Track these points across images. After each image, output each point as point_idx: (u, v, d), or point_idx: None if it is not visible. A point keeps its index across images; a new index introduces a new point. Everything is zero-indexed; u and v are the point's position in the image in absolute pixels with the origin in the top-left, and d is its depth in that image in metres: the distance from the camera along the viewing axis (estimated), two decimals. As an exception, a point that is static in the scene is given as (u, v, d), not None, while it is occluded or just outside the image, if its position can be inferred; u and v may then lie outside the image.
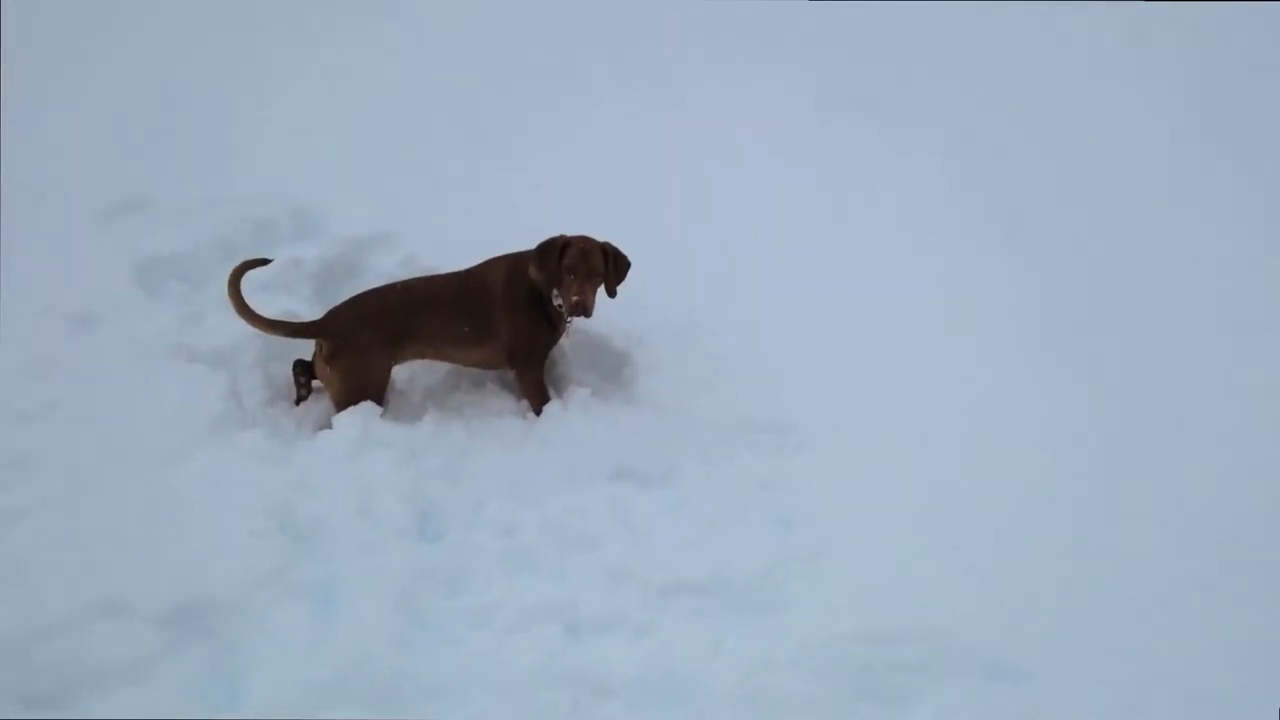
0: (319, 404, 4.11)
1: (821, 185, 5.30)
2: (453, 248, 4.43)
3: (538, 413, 4.12)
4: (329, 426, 3.90)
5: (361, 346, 3.99)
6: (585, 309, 4.02)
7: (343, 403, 3.96)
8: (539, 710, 2.98)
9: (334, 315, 4.07)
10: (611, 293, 4.13)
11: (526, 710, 2.98)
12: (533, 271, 4.10)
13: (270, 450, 3.75)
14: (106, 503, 3.42)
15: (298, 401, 4.11)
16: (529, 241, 4.13)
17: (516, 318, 4.11)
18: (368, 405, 3.95)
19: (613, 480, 3.80)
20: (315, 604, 3.25)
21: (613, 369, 4.32)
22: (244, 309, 3.95)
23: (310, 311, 4.32)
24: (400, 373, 4.23)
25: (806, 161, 5.43)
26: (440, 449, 3.90)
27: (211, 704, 2.95)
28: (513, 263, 4.17)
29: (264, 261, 4.13)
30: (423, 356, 4.19)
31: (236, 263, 4.05)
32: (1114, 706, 3.04)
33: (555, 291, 4.06)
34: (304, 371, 4.11)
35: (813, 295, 4.69)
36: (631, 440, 3.93)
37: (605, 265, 4.07)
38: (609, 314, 4.34)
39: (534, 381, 4.16)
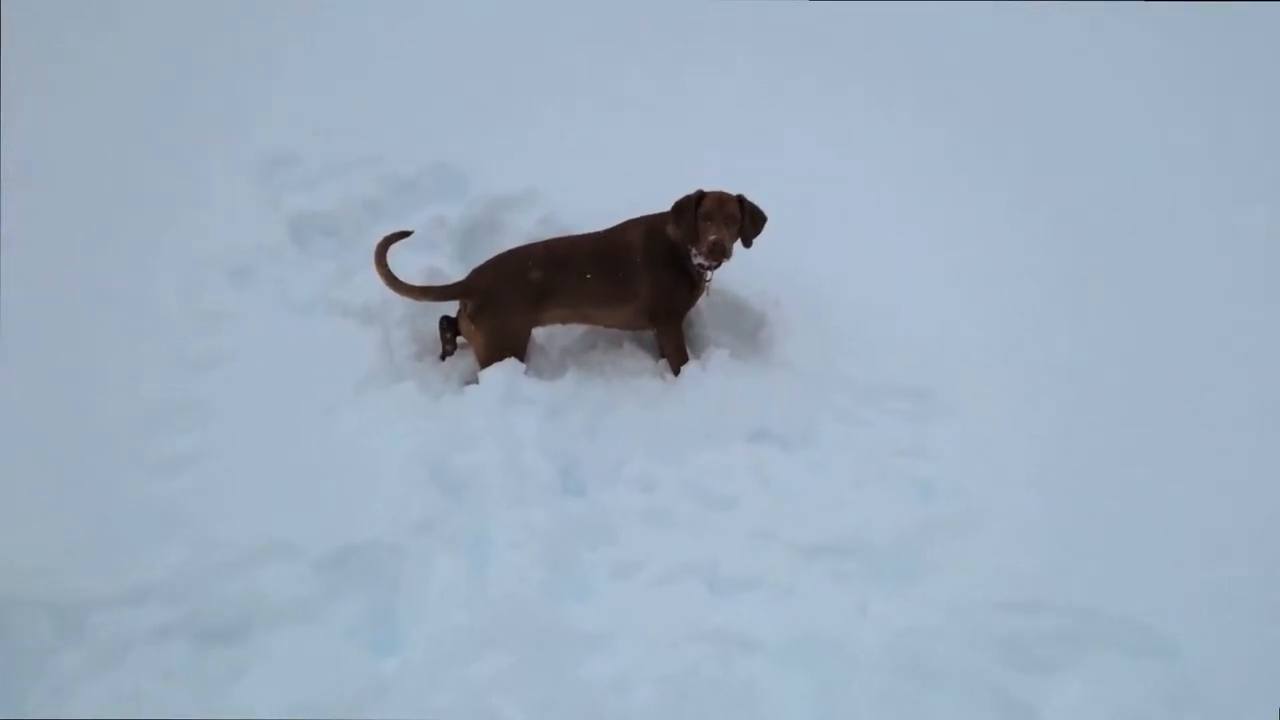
0: (464, 360, 4.21)
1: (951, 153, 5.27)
2: (589, 208, 4.50)
3: (676, 373, 4.18)
4: (475, 381, 3.99)
5: (504, 305, 4.07)
6: (724, 249, 4.03)
7: (486, 359, 4.05)
8: (688, 663, 3.04)
9: (478, 274, 4.16)
10: (748, 243, 4.15)
11: (675, 662, 3.04)
12: (670, 229, 4.14)
13: (421, 403, 3.86)
14: (271, 449, 3.56)
15: (443, 357, 4.22)
16: (663, 202, 4.17)
17: (657, 277, 4.17)
18: (512, 362, 4.03)
19: (752, 441, 3.84)
20: (468, 552, 3.35)
21: (750, 331, 4.35)
22: (392, 280, 4.04)
23: (453, 268, 4.43)
24: (538, 332, 4.31)
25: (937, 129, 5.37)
26: (581, 406, 3.97)
27: (374, 644, 3.07)
28: (651, 223, 4.22)
29: (406, 234, 4.22)
30: (564, 320, 4.25)
31: (380, 238, 4.12)
32: (1263, 682, 3.01)
33: (693, 250, 4.10)
34: (449, 328, 4.22)
35: (949, 259, 4.66)
36: (770, 401, 3.95)
37: (741, 214, 4.09)
38: (745, 277, 4.38)
39: (674, 341, 4.21)
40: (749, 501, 3.61)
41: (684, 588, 3.32)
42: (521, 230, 4.60)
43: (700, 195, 4.08)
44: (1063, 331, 4.29)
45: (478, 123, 5.18)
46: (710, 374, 4.10)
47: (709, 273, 4.18)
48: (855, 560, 3.38)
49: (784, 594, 3.28)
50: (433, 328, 4.25)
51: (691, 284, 4.21)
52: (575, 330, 4.43)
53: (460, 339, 4.24)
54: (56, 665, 2.93)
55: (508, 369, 4.00)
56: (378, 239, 4.10)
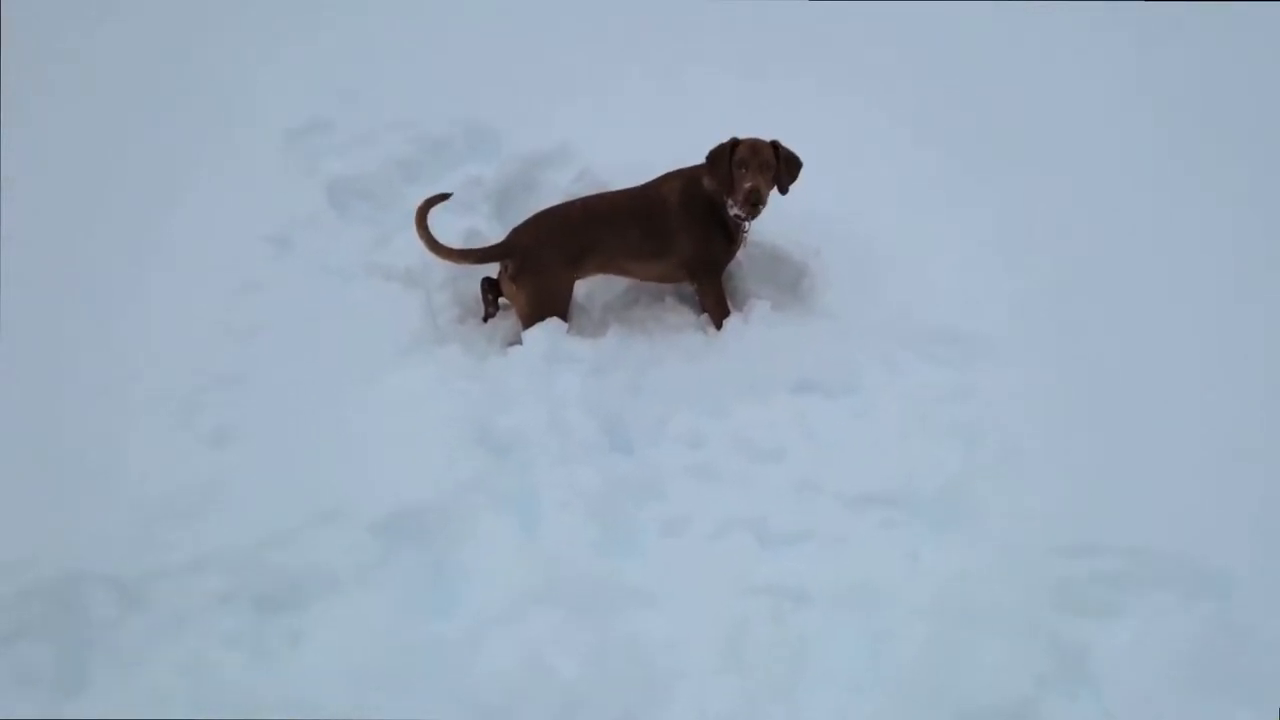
0: (506, 320, 4.22)
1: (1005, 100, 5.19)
2: (625, 160, 4.48)
3: (718, 326, 4.17)
4: (518, 342, 4.00)
5: (545, 264, 4.06)
6: (759, 197, 4.01)
7: (529, 319, 4.06)
8: (741, 616, 3.06)
9: (517, 235, 4.15)
10: (784, 189, 4.12)
11: (728, 616, 3.06)
12: (706, 181, 4.11)
13: (465, 365, 3.87)
14: (318, 417, 3.59)
15: (486, 318, 4.24)
16: (699, 156, 4.14)
17: (694, 231, 4.15)
18: (554, 321, 4.03)
19: (796, 393, 3.82)
20: (517, 512, 3.37)
21: (790, 282, 4.33)
22: (434, 244, 4.05)
23: (491, 228, 4.43)
24: (580, 288, 4.31)
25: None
26: (625, 363, 3.98)
27: (428, 606, 3.11)
28: (688, 176, 4.20)
29: (445, 196, 4.21)
30: (604, 271, 4.25)
31: (419, 201, 4.12)
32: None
33: (729, 201, 4.07)
34: (491, 289, 4.22)
35: (989, 203, 4.61)
36: (813, 352, 3.93)
37: (776, 160, 4.06)
38: (784, 227, 4.36)
39: (715, 294, 4.20)
40: (795, 453, 3.60)
41: (734, 542, 3.32)
42: (558, 187, 4.59)
43: (734, 143, 4.05)
44: (1103, 274, 4.24)
45: (508, 81, 5.15)
46: (752, 326, 4.09)
47: (746, 223, 4.15)
48: (903, 509, 3.37)
49: (834, 545, 3.29)
50: (475, 289, 4.26)
51: (729, 236, 4.19)
52: (617, 286, 4.42)
53: (502, 300, 4.24)
54: (121, 636, 2.98)
55: (550, 328, 4.01)
56: (417, 203, 4.10)
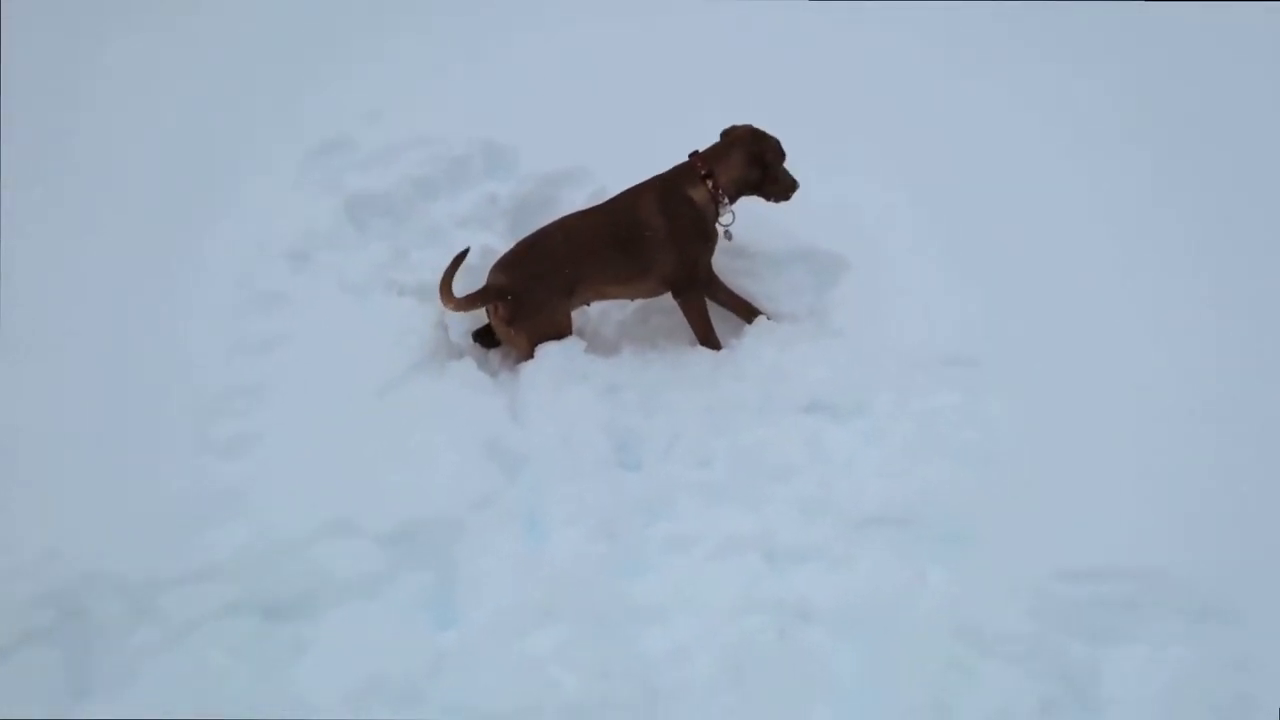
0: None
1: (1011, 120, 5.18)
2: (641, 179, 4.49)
3: (705, 342, 4.15)
4: (533, 358, 4.00)
5: (541, 303, 3.99)
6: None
7: (530, 357, 4.00)
8: (745, 634, 3.08)
9: (505, 275, 4.03)
10: None
11: (733, 633, 3.08)
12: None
13: (478, 380, 3.89)
14: (330, 429, 3.62)
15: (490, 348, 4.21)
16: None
17: (680, 243, 4.08)
18: (570, 339, 4.03)
19: (806, 412, 3.81)
20: (525, 527, 3.41)
21: (802, 302, 4.32)
22: (452, 302, 3.98)
23: (506, 245, 4.45)
24: (593, 308, 4.32)
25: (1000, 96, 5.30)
26: (637, 382, 3.97)
27: (435, 618, 3.14)
28: (662, 188, 4.13)
29: (463, 255, 4.12)
30: (586, 302, 4.20)
31: (444, 270, 4.03)
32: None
33: (725, 201, 4.11)
34: (484, 338, 4.18)
35: (1000, 228, 4.60)
36: (823, 373, 3.92)
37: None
38: (795, 243, 4.36)
39: (700, 309, 4.16)
40: (804, 473, 3.60)
41: (740, 560, 3.33)
42: (573, 206, 4.60)
43: (763, 133, 4.11)
44: (1112, 300, 4.22)
45: (527, 101, 5.18)
46: (763, 346, 4.08)
47: (727, 225, 4.17)
48: (911, 530, 3.37)
49: (841, 564, 3.29)
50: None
51: (706, 236, 4.15)
52: (630, 304, 4.43)
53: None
54: (128, 643, 3.03)
55: (564, 345, 4.01)
56: (442, 272, 4.03)
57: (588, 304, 4.22)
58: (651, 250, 4.09)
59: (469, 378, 3.89)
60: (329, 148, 4.92)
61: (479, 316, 4.19)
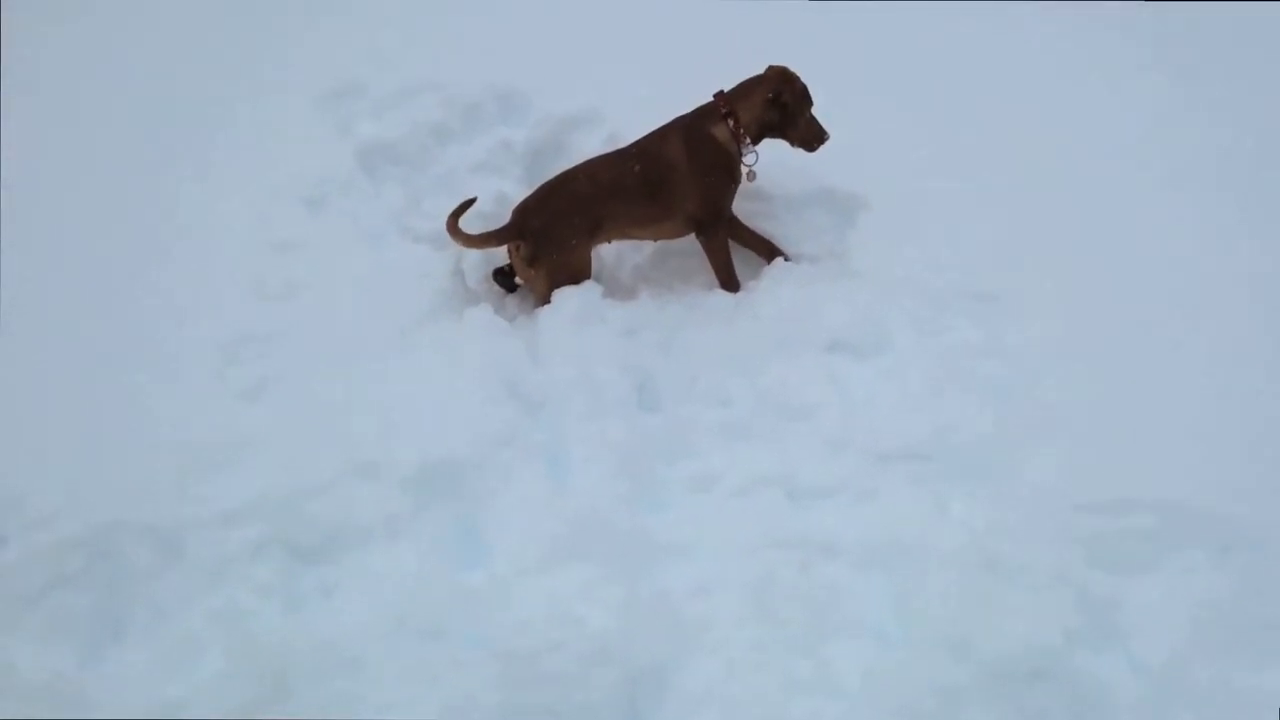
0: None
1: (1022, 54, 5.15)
2: (653, 125, 4.45)
3: (725, 284, 4.15)
4: (550, 301, 4.00)
5: (563, 243, 3.99)
6: None
7: (548, 299, 4.01)
8: (767, 569, 3.09)
9: (527, 215, 4.04)
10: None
11: (755, 568, 3.09)
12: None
13: (495, 324, 3.88)
14: (350, 373, 3.63)
15: (511, 290, 4.22)
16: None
17: (702, 183, 4.07)
18: (588, 283, 4.02)
19: (826, 351, 3.80)
20: (547, 467, 3.42)
21: (821, 242, 4.30)
22: (455, 232, 4.00)
23: (520, 191, 4.41)
24: (609, 253, 4.31)
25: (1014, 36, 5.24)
26: (655, 324, 3.97)
27: (460, 558, 3.17)
28: (688, 128, 4.12)
29: (471, 202, 4.14)
30: (612, 239, 4.22)
31: (450, 211, 4.06)
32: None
33: (746, 145, 4.10)
34: (502, 279, 4.19)
35: (1015, 159, 4.57)
36: (843, 311, 3.90)
37: None
38: (813, 184, 4.33)
39: (723, 251, 4.15)
40: (825, 411, 3.60)
41: (763, 497, 3.35)
42: (586, 151, 4.55)
43: (789, 74, 4.08)
44: (1136, 234, 4.20)
45: (539, 44, 5.14)
46: (782, 285, 4.06)
47: (749, 161, 4.15)
48: (933, 464, 3.38)
49: (863, 499, 3.31)
50: (503, 252, 4.24)
51: (732, 177, 4.15)
52: (646, 249, 4.41)
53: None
54: (157, 586, 3.07)
55: (582, 289, 4.00)
56: (447, 215, 4.05)
57: (608, 241, 4.21)
58: (676, 190, 4.08)
59: (486, 322, 3.88)
60: (339, 93, 4.88)
61: (497, 258, 4.19)
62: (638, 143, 4.18)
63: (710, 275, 4.20)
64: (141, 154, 4.47)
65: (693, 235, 4.21)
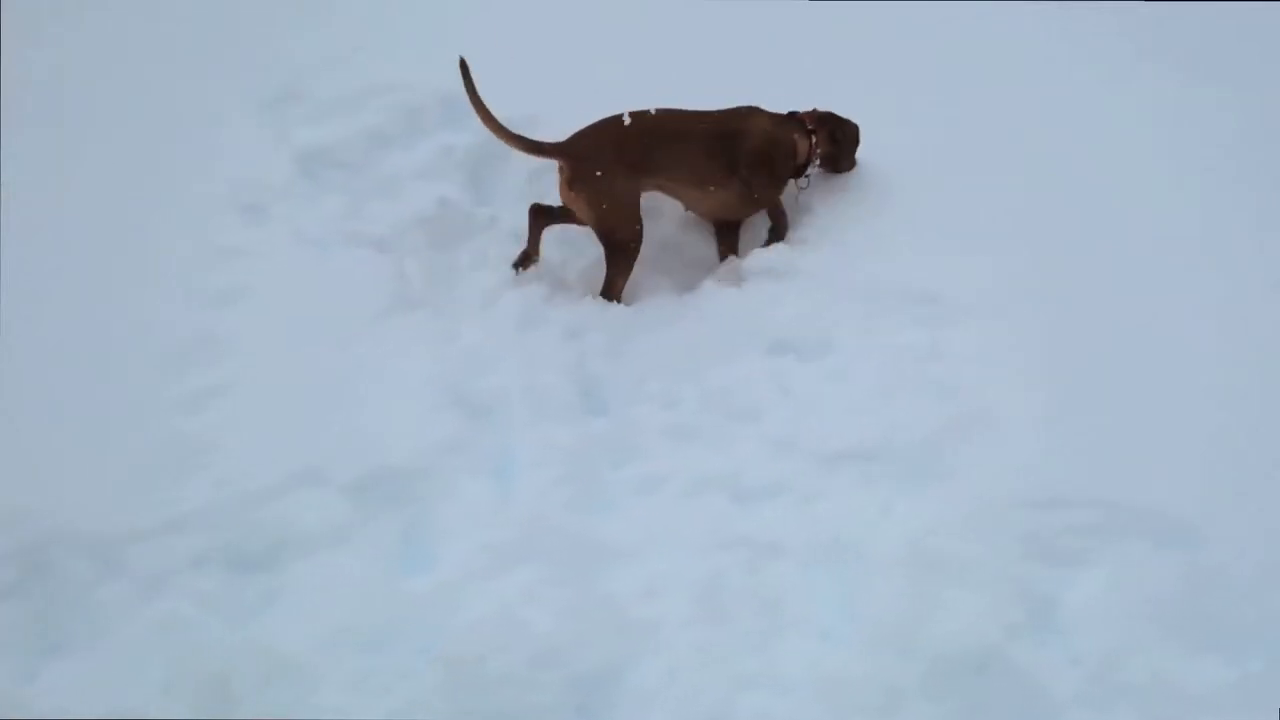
0: (504, 286, 4.11)
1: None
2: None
3: (782, 237, 4.27)
4: (494, 306, 3.99)
5: (603, 170, 3.99)
6: None
7: (597, 224, 4.03)
8: (714, 569, 3.10)
9: (577, 137, 4.09)
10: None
11: (703, 570, 3.10)
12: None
13: (439, 329, 3.87)
14: (293, 380, 3.60)
15: (518, 265, 4.15)
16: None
17: (765, 174, 4.20)
18: (531, 288, 4.03)
19: (771, 353, 3.81)
20: (493, 472, 3.41)
21: (761, 242, 4.33)
22: (490, 120, 4.03)
23: (463, 197, 4.42)
24: (553, 253, 4.29)
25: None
26: (600, 326, 3.96)
27: (405, 565, 3.15)
28: (777, 121, 4.27)
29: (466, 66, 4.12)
30: (664, 191, 4.23)
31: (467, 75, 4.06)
32: (1289, 569, 3.02)
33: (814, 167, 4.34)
34: (537, 222, 4.15)
35: (963, 160, 4.61)
36: (787, 313, 3.92)
37: None
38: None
39: (780, 208, 4.30)
40: (770, 412, 3.62)
41: (709, 499, 3.36)
42: (528, 159, 4.55)
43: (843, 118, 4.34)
44: (1076, 238, 4.24)
45: (482, 50, 5.11)
46: (726, 288, 4.09)
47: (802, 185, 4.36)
48: (877, 465, 3.40)
49: (808, 500, 3.32)
50: (448, 258, 4.19)
51: (785, 182, 4.31)
52: (591, 254, 4.40)
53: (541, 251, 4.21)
54: (96, 598, 3.01)
55: (524, 294, 4.00)
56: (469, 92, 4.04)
57: (658, 188, 4.22)
58: (736, 165, 4.16)
59: (430, 327, 3.86)
60: (280, 99, 4.84)
61: (499, 253, 4.19)
62: (720, 110, 4.26)
63: (655, 280, 4.22)
64: (78, 162, 4.41)
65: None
